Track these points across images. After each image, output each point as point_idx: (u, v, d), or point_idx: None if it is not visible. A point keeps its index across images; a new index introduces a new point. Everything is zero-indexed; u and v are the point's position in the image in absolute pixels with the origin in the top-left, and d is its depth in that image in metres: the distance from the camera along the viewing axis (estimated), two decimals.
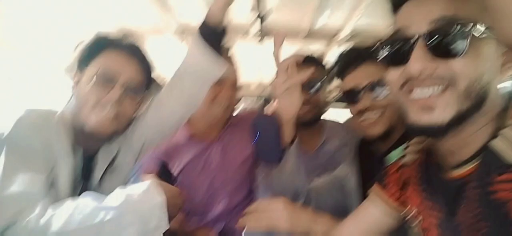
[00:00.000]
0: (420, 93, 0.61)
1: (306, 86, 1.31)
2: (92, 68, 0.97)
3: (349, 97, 1.20)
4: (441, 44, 0.58)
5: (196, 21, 1.13)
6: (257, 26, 1.86)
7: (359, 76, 1.14)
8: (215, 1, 1.04)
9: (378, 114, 1.11)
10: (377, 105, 1.11)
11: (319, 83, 1.36)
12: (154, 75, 1.11)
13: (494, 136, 0.61)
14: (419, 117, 0.62)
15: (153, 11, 1.89)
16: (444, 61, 0.58)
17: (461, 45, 0.57)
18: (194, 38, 1.06)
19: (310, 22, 1.97)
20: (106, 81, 0.96)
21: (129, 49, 1.02)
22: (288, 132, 1.10)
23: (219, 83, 1.27)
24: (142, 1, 1.83)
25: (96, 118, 0.95)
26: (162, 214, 0.85)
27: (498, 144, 0.59)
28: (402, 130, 1.11)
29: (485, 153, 0.61)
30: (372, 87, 1.12)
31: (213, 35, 1.07)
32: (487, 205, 0.60)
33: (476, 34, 0.56)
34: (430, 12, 0.59)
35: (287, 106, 1.07)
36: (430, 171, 0.76)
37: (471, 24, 0.56)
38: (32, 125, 0.92)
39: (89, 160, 1.02)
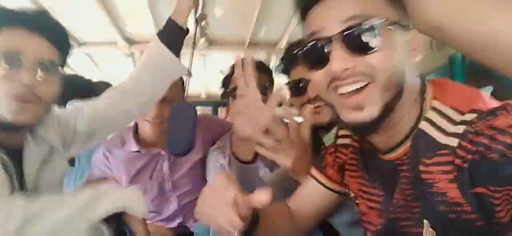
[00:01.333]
0: (345, 89, 0.63)
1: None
2: None
3: (295, 90, 1.23)
4: (356, 42, 0.60)
5: (145, 33, 1.20)
6: (199, 35, 1.97)
7: (303, 69, 1.13)
8: (179, 4, 1.09)
9: (323, 102, 1.14)
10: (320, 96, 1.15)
11: (266, 85, 1.41)
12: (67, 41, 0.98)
13: (419, 117, 0.64)
14: (350, 116, 0.64)
15: (102, 22, 1.91)
16: (362, 57, 0.60)
17: (374, 40, 0.59)
18: (155, 41, 1.07)
19: (251, 32, 2.11)
20: (11, 64, 0.85)
21: (31, 22, 0.89)
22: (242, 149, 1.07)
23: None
24: (91, 12, 1.85)
25: (12, 108, 0.84)
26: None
27: (426, 127, 0.62)
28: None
29: (415, 136, 0.64)
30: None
31: (176, 37, 1.08)
32: (418, 186, 0.63)
33: (386, 28, 0.59)
34: (341, 13, 0.61)
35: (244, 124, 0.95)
36: (365, 156, 0.78)
37: (381, 19, 0.59)
38: None
39: (17, 156, 0.91)
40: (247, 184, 1.15)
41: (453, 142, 0.57)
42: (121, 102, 1.10)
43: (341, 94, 0.63)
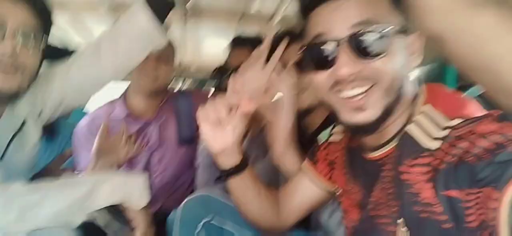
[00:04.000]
0: (348, 93, 0.65)
1: None
2: None
3: None
4: (364, 47, 0.62)
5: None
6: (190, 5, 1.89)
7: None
8: None
9: (301, 90, 1.13)
10: (300, 83, 1.12)
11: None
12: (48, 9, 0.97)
13: (408, 121, 0.66)
14: (351, 116, 0.66)
15: None
16: (368, 62, 0.62)
17: (381, 45, 0.61)
18: (139, 5, 1.00)
19: (244, 6, 2.04)
20: None
21: None
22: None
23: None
24: None
25: None
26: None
27: (412, 130, 0.64)
28: (326, 111, 1.15)
29: (401, 137, 0.66)
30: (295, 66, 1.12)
31: (163, 6, 1.02)
32: (398, 186, 0.65)
33: (390, 34, 0.61)
34: (349, 17, 0.63)
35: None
36: (352, 153, 0.81)
37: (387, 25, 0.61)
38: None
39: None
40: None
41: (435, 145, 0.59)
42: (94, 68, 1.04)
43: (344, 97, 0.65)
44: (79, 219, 0.78)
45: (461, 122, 0.59)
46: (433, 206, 0.58)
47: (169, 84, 1.55)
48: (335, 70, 0.64)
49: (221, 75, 1.46)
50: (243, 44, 1.50)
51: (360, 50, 0.62)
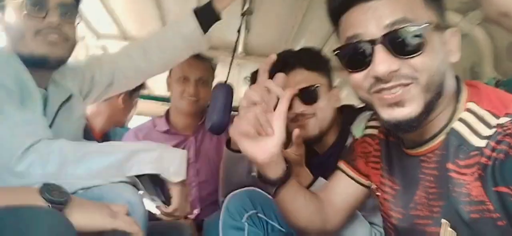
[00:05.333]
0: (388, 92, 0.64)
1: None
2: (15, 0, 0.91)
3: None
4: (400, 45, 0.61)
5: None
6: (239, 43, 2.03)
7: (292, 82, 1.15)
8: None
9: (309, 118, 1.16)
10: (309, 110, 1.15)
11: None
12: None
13: (451, 117, 0.66)
14: (391, 114, 0.64)
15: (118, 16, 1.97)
16: (405, 60, 0.62)
17: (417, 43, 0.61)
18: (189, 14, 1.16)
19: (289, 45, 2.15)
20: (38, 6, 0.91)
21: None
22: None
23: (184, 79, 1.47)
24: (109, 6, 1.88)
25: (41, 45, 0.91)
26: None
27: (460, 128, 0.64)
28: (336, 134, 1.18)
29: (448, 135, 0.65)
30: (303, 92, 1.14)
31: (208, 18, 1.17)
32: (443, 185, 0.63)
33: (428, 31, 0.61)
34: (382, 17, 0.62)
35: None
36: (390, 147, 0.79)
37: (422, 23, 0.61)
38: (3, 61, 0.88)
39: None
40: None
41: (484, 143, 0.59)
42: (140, 58, 1.17)
43: (383, 98, 0.65)
44: (115, 180, 0.81)
45: (509, 120, 0.58)
46: (484, 205, 0.57)
47: (207, 105, 1.66)
48: (372, 69, 0.63)
49: None
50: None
51: (396, 48, 0.61)
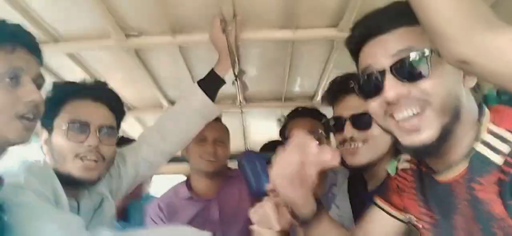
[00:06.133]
0: (401, 115, 0.67)
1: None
2: (61, 122, 0.99)
3: (334, 125, 1.25)
4: (406, 70, 0.66)
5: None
6: (239, 93, 2.13)
7: (345, 106, 1.18)
8: (221, 60, 1.27)
9: (360, 144, 1.16)
10: (359, 136, 1.16)
11: (320, 132, 1.52)
12: (122, 109, 1.14)
13: (475, 140, 0.68)
14: (409, 140, 0.68)
15: (147, 87, 2.09)
16: (413, 84, 0.66)
17: (423, 67, 0.65)
18: (193, 87, 1.26)
19: (286, 88, 2.25)
20: (80, 130, 0.98)
21: (94, 94, 1.05)
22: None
23: (201, 140, 1.51)
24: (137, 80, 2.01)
25: (80, 168, 0.98)
26: None
27: (481, 148, 0.66)
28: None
29: (472, 157, 0.67)
30: (355, 118, 1.16)
31: (214, 85, 1.27)
32: (477, 206, 0.65)
33: (433, 56, 0.64)
34: (390, 47, 0.68)
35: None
36: (423, 177, 0.81)
37: (426, 49, 0.65)
38: (42, 174, 0.93)
39: (74, 206, 1.02)
40: None
41: (502, 160, 0.62)
42: (159, 143, 1.24)
43: (398, 120, 0.69)
44: None
45: None
46: (505, 220, 0.59)
47: (226, 164, 1.74)
48: (383, 95, 0.69)
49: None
50: (301, 115, 1.63)
51: (403, 74, 0.66)
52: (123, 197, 1.30)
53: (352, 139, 1.17)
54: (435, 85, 0.65)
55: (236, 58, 1.39)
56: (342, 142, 1.21)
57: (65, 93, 1.03)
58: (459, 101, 0.67)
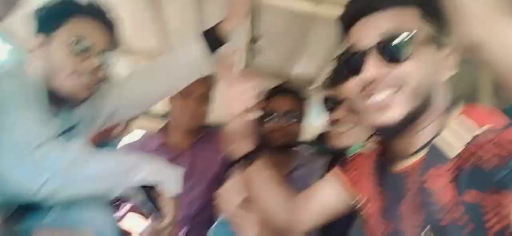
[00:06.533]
0: (376, 97, 0.67)
1: (285, 115, 1.46)
2: (64, 35, 0.97)
3: (326, 104, 1.26)
4: (390, 51, 0.66)
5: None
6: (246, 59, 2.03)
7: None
8: (230, 17, 1.16)
9: (349, 127, 1.16)
10: (348, 119, 1.16)
11: (296, 115, 1.48)
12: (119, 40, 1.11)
13: (438, 133, 0.67)
14: (375, 118, 0.68)
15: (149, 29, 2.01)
16: (394, 66, 0.66)
17: (406, 50, 0.65)
18: (197, 37, 1.16)
19: (289, 67, 2.16)
20: (83, 50, 0.97)
21: (99, 15, 1.03)
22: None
23: (186, 94, 1.43)
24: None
25: (73, 85, 0.96)
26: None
27: (439, 141, 0.66)
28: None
29: (429, 149, 0.67)
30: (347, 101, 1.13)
31: (215, 42, 1.16)
32: (422, 198, 0.66)
33: (419, 41, 0.65)
34: (377, 27, 0.68)
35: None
36: (382, 162, 0.82)
37: (413, 32, 0.65)
38: (12, 75, 0.93)
39: None
40: None
41: (457, 152, 0.62)
42: (147, 83, 1.18)
43: (370, 103, 0.68)
44: (117, 191, 0.84)
45: (487, 129, 0.61)
46: (453, 211, 0.59)
47: (205, 122, 1.65)
48: (362, 74, 0.68)
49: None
50: (282, 92, 1.56)
51: (387, 55, 0.66)
52: (96, 131, 1.22)
53: (342, 120, 1.18)
54: (412, 68, 0.65)
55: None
56: (331, 123, 1.21)
57: (73, 7, 1.01)
58: (431, 89, 0.67)
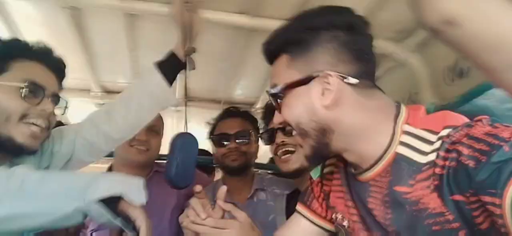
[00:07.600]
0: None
1: (236, 136, 1.48)
2: (12, 79, 0.91)
3: (267, 137, 1.36)
4: (272, 103, 0.78)
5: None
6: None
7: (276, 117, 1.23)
8: (181, 42, 1.15)
9: (292, 151, 1.25)
10: (289, 142, 1.24)
11: (250, 132, 1.52)
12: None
13: (391, 140, 0.68)
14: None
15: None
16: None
17: (278, 101, 0.76)
18: (151, 68, 1.12)
19: (227, 92, 2.18)
20: (36, 93, 0.92)
21: (46, 59, 0.99)
22: None
23: None
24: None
25: (27, 132, 0.90)
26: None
27: (403, 150, 0.66)
28: None
29: (394, 160, 0.67)
30: (284, 127, 1.20)
31: (174, 69, 1.14)
32: (397, 207, 0.65)
33: (287, 88, 0.73)
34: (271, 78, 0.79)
35: None
36: (348, 175, 0.82)
37: (280, 84, 0.74)
38: None
39: None
40: None
41: (431, 157, 0.61)
42: (105, 125, 1.10)
43: None
44: (80, 207, 0.77)
45: (451, 130, 0.61)
46: (444, 216, 0.59)
47: (156, 157, 1.58)
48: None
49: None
50: (232, 115, 1.60)
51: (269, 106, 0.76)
52: None
53: (283, 144, 1.28)
54: (285, 113, 0.75)
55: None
56: (275, 150, 1.32)
57: (16, 50, 0.96)
58: (319, 120, 0.70)
